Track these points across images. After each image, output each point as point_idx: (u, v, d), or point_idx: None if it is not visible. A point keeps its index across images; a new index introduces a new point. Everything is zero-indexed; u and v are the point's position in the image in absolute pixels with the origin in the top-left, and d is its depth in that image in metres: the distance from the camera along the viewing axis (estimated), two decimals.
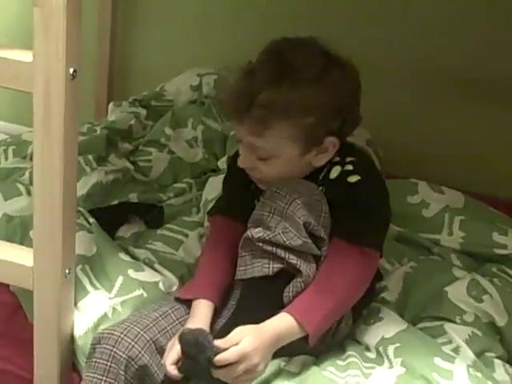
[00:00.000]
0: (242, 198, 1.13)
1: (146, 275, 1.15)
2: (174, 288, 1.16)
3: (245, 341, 0.90)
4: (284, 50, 1.01)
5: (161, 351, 0.99)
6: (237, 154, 1.10)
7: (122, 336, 0.96)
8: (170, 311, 1.05)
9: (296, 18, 1.79)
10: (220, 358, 0.88)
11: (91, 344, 0.99)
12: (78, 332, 1.04)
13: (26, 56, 0.84)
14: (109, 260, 1.16)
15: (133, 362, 0.96)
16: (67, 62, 0.82)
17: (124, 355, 0.95)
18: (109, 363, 0.95)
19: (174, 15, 2.01)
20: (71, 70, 0.83)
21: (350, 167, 1.05)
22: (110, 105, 1.90)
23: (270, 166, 1.03)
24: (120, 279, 1.12)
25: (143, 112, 1.83)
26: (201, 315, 1.01)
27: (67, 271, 0.96)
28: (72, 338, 1.04)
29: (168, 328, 1.02)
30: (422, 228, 1.40)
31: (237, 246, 1.02)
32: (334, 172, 1.06)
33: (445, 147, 1.81)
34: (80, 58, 0.85)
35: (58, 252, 0.93)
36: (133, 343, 0.96)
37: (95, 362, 0.96)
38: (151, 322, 1.01)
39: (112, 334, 0.97)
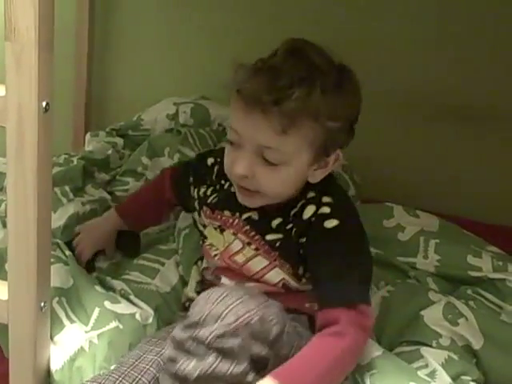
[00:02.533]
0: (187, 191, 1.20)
1: (122, 307, 1.14)
2: (150, 320, 1.15)
3: None
4: (308, 51, 0.97)
5: None
6: (212, 154, 1.17)
7: None
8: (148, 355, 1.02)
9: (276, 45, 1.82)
10: None
11: None
12: (55, 366, 1.03)
13: None
14: (85, 292, 1.15)
15: None
16: (39, 95, 0.83)
17: None
18: None
19: (151, 45, 2.04)
20: (44, 104, 0.84)
21: (326, 210, 0.99)
22: (87, 135, 1.91)
23: (275, 174, 0.98)
24: (96, 311, 1.11)
25: (120, 142, 1.84)
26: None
27: (42, 304, 0.95)
28: (48, 373, 1.03)
29: (147, 367, 0.99)
30: (398, 251, 1.41)
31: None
32: (308, 211, 1.00)
33: (419, 171, 1.83)
34: (53, 90, 0.86)
35: (32, 285, 0.93)
36: None
37: None
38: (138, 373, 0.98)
39: None
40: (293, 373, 0.88)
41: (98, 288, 1.18)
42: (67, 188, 1.54)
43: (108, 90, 2.13)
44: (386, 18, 1.75)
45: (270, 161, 0.97)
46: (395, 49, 1.75)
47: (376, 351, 1.08)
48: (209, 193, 1.14)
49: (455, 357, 1.09)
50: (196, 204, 1.17)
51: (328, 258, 0.98)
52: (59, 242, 1.31)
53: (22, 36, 0.80)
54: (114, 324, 1.10)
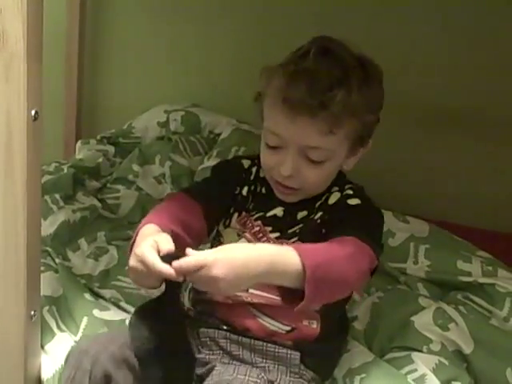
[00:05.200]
0: (217, 190, 1.09)
1: (111, 314, 1.15)
2: None
3: (208, 252, 0.84)
4: (337, 50, 0.99)
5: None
6: (228, 161, 1.12)
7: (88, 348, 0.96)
8: None
9: (270, 57, 1.82)
10: (176, 264, 0.82)
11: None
12: (46, 375, 1.04)
13: None
14: (74, 301, 1.16)
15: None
16: (28, 104, 0.83)
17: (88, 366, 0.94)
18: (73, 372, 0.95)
19: (141, 53, 2.04)
20: (33, 112, 0.84)
21: (349, 192, 1.05)
22: (78, 143, 1.91)
23: (319, 171, 1.00)
24: (85, 320, 1.11)
25: (111, 149, 1.84)
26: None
27: (32, 313, 0.96)
28: (39, 382, 1.03)
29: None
30: (389, 257, 1.42)
31: (192, 216, 1.00)
32: (333, 198, 1.05)
33: (408, 176, 1.83)
34: (43, 99, 0.86)
35: (22, 294, 0.93)
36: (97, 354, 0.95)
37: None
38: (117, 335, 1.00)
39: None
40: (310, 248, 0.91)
41: (87, 296, 1.19)
42: (57, 196, 1.54)
43: (99, 98, 2.13)
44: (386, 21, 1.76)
45: (315, 159, 0.99)
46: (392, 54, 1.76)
47: (367, 357, 1.09)
48: (245, 193, 1.11)
49: (446, 362, 1.10)
50: (231, 204, 1.11)
51: (345, 225, 0.99)
52: (49, 249, 1.31)
53: (11, 45, 0.80)
54: (102, 331, 1.10)
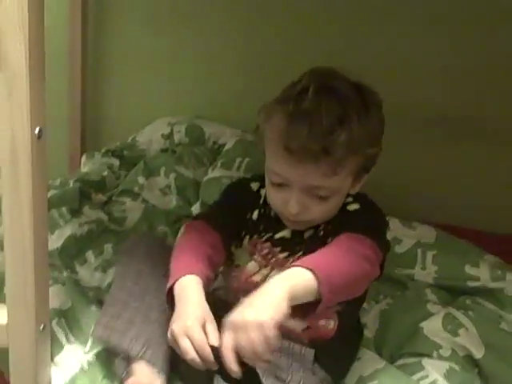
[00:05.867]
0: (230, 217, 1.10)
1: None
2: None
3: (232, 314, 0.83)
4: (335, 85, 0.97)
5: None
6: (237, 185, 1.14)
7: None
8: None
9: (271, 68, 1.83)
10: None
11: None
12: None
13: None
14: (82, 313, 1.16)
15: None
16: (32, 122, 0.83)
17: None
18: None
19: (143, 66, 2.04)
20: (36, 130, 0.84)
21: (349, 199, 1.06)
22: (83, 157, 1.92)
23: (326, 204, 1.00)
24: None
25: (116, 162, 1.85)
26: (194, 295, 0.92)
27: (42, 326, 0.95)
28: None
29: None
30: (397, 263, 1.42)
31: (216, 250, 1.01)
32: None
33: (414, 182, 1.84)
34: (48, 114, 0.87)
35: (31, 307, 0.92)
36: None
37: None
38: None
39: None
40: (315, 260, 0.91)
41: (94, 307, 1.19)
42: (64, 210, 1.54)
43: (102, 112, 2.14)
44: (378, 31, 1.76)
45: (321, 195, 0.99)
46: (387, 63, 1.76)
47: (377, 364, 1.09)
48: (255, 218, 1.13)
49: (456, 367, 1.09)
50: (243, 229, 1.13)
51: (343, 228, 1.00)
52: (57, 263, 1.31)
53: (13, 64, 0.80)
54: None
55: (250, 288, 1.03)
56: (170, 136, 1.89)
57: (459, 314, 1.23)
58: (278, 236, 1.09)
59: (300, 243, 1.07)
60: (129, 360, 1.01)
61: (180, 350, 0.86)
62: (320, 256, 0.93)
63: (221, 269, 1.11)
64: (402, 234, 1.47)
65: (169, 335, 0.88)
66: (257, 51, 1.89)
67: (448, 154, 1.81)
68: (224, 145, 1.85)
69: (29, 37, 0.79)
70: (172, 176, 1.74)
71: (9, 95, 0.81)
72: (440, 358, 1.11)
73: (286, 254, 1.07)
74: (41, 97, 0.84)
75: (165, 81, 2.03)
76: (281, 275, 0.87)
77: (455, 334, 1.17)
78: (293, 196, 0.99)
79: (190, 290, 0.93)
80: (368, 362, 1.09)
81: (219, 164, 1.76)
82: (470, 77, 1.72)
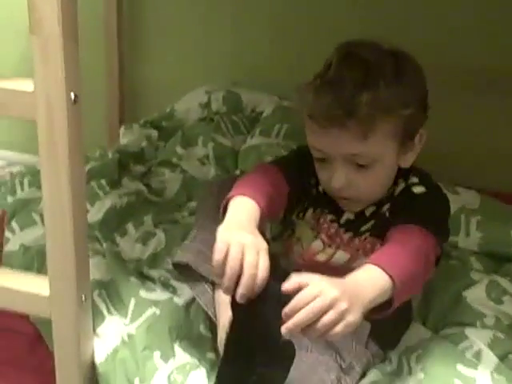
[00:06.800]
0: (300, 176, 1.09)
1: (158, 294, 1.16)
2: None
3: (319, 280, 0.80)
4: (358, 53, 0.97)
5: None
6: (302, 149, 1.08)
7: None
8: None
9: (309, 35, 1.80)
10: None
11: None
12: (99, 359, 1.04)
13: (27, 85, 0.85)
14: (122, 284, 1.17)
15: None
16: (67, 87, 0.83)
17: None
18: None
19: (180, 35, 2.03)
20: (72, 95, 0.84)
21: (414, 179, 1.05)
22: (121, 128, 1.92)
23: (370, 175, 0.99)
24: (132, 302, 1.13)
25: (154, 133, 1.85)
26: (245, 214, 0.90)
27: (83, 298, 0.97)
28: (93, 366, 1.04)
29: None
30: None
31: (280, 197, 1.01)
32: (398, 188, 1.05)
33: (457, 144, 1.79)
34: (81, 83, 0.86)
35: (72, 279, 0.94)
36: None
37: None
38: None
39: None
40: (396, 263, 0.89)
41: (133, 279, 1.20)
42: (103, 182, 1.56)
43: (140, 83, 2.13)
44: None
45: (362, 164, 0.98)
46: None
47: (423, 334, 1.08)
48: (321, 189, 1.10)
49: (501, 335, 1.07)
50: (306, 196, 1.12)
51: (410, 215, 0.99)
52: (98, 235, 1.32)
53: (47, 28, 0.80)
54: (150, 312, 1.11)
55: (314, 266, 1.05)
56: (207, 105, 1.88)
57: (504, 281, 1.20)
58: (343, 219, 1.08)
59: (364, 222, 1.06)
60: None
61: (222, 262, 0.83)
62: (400, 259, 0.90)
63: (283, 235, 1.12)
64: None
65: (220, 241, 0.84)
66: (292, 17, 1.86)
67: (494, 114, 1.75)
68: (262, 112, 1.83)
69: (61, 0, 0.79)
70: (210, 145, 1.73)
71: (44, 58, 0.82)
72: (484, 326, 1.09)
73: (350, 234, 1.06)
74: (75, 61, 0.84)
75: (201, 50, 2.01)
76: (371, 273, 0.86)
77: (499, 302, 1.15)
78: (335, 170, 0.99)
79: (239, 208, 0.92)
80: (413, 333, 1.08)
81: (258, 131, 1.75)
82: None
